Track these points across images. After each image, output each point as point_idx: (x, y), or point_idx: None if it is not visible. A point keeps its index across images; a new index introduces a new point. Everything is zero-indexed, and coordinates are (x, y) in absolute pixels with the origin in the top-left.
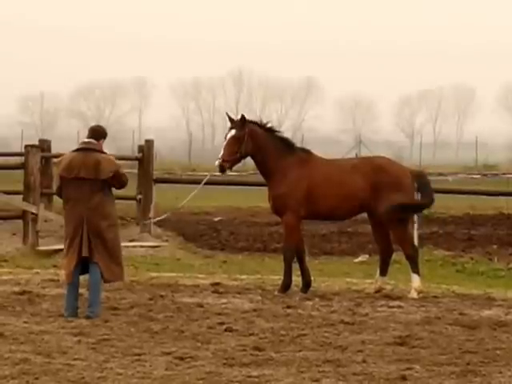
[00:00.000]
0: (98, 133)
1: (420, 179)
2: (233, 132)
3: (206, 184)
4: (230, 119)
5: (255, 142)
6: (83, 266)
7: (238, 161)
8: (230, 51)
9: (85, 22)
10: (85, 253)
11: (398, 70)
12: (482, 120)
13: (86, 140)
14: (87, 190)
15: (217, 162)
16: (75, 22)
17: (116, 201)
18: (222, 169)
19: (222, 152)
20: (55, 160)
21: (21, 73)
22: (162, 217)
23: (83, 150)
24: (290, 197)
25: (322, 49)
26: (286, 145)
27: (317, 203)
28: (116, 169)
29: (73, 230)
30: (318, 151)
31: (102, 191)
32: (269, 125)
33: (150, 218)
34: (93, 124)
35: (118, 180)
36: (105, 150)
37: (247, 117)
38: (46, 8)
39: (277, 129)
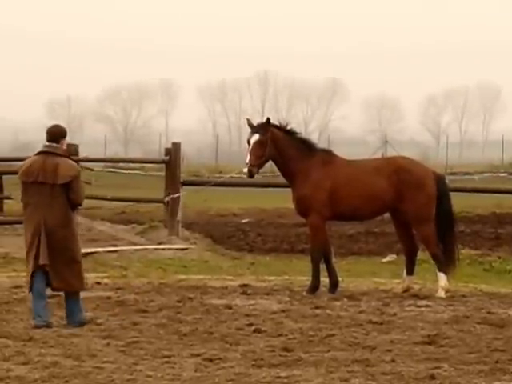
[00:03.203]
0: (56, 134)
1: (439, 181)
2: (257, 136)
3: (232, 186)
4: (250, 124)
5: (277, 146)
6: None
7: (264, 164)
8: (256, 54)
9: (111, 29)
10: (42, 261)
11: (423, 69)
12: (508, 118)
13: (47, 143)
14: (46, 195)
15: (245, 168)
16: (102, 27)
17: (144, 204)
18: (251, 174)
19: (248, 157)
20: (19, 164)
21: (48, 77)
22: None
23: (44, 153)
24: (314, 198)
25: (347, 49)
26: (308, 146)
27: (340, 204)
28: (74, 174)
29: (31, 236)
30: (345, 152)
31: (62, 197)
32: (288, 127)
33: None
34: (50, 126)
35: (75, 189)
36: (68, 153)
37: (270, 120)
38: (72, 19)
39: (297, 130)
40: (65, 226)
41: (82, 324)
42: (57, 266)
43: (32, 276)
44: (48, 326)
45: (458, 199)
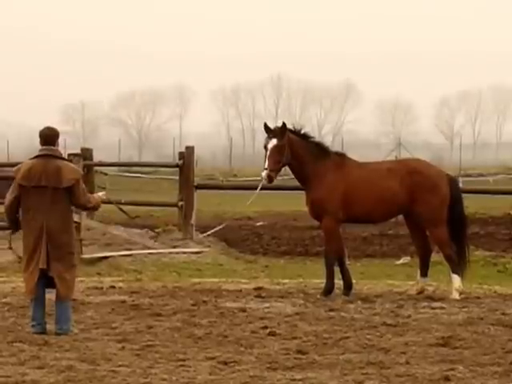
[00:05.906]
0: (51, 137)
1: (452, 183)
2: (274, 141)
3: (246, 189)
4: (267, 129)
5: (293, 150)
6: (49, 279)
7: (281, 169)
8: (269, 57)
9: (124, 35)
10: (42, 264)
11: (436, 71)
12: None
13: (45, 147)
14: (48, 199)
15: (264, 174)
16: (115, 33)
17: (158, 208)
18: (271, 179)
19: (266, 162)
20: (14, 168)
21: (62, 82)
22: (218, 228)
23: (43, 156)
24: (328, 201)
25: (360, 52)
26: (321, 149)
27: (354, 207)
28: (77, 177)
29: (33, 241)
30: (358, 154)
31: (64, 201)
32: (303, 131)
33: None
34: (44, 129)
35: (76, 192)
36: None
37: (285, 124)
38: (86, 25)
39: (311, 134)
40: (66, 230)
41: (65, 332)
42: (62, 274)
43: (37, 282)
44: (44, 332)
45: (473, 201)
